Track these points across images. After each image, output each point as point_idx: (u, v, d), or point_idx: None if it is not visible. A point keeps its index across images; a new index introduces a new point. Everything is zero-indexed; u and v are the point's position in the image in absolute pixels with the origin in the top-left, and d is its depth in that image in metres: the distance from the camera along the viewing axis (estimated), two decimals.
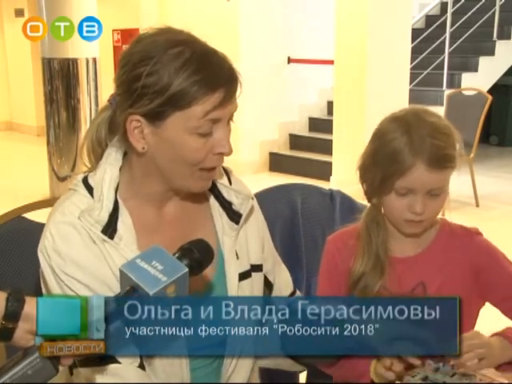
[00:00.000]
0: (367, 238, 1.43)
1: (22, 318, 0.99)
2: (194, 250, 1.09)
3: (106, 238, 1.17)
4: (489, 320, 1.47)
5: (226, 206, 1.31)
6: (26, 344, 1.00)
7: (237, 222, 1.30)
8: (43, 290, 1.21)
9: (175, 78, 1.12)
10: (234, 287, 1.27)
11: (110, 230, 1.18)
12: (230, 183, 1.34)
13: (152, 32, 1.18)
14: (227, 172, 1.36)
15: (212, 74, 1.13)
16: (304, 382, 1.69)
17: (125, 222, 1.20)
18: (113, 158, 1.24)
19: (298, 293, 1.47)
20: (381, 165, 1.37)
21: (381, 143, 1.38)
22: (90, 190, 1.22)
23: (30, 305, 1.00)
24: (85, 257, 1.16)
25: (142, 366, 1.18)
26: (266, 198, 1.48)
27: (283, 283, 1.43)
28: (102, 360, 1.14)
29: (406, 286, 1.42)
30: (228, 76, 1.16)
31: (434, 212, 1.38)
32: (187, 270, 1.05)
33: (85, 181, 1.23)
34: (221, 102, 1.14)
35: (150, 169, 1.21)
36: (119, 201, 1.22)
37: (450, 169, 1.36)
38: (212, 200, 1.31)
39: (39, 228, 1.24)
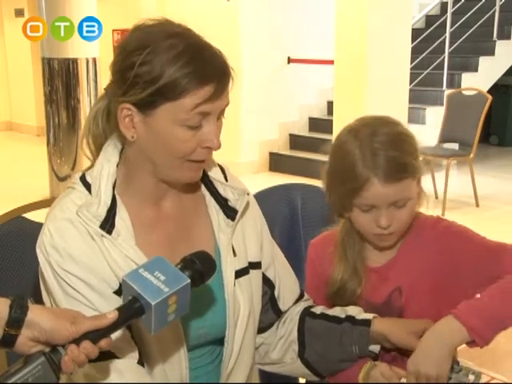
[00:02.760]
0: (343, 249, 1.42)
1: (24, 325, 0.99)
2: (196, 261, 1.09)
3: (104, 233, 1.17)
4: None
5: (222, 202, 1.31)
6: (28, 351, 1.00)
7: (233, 219, 1.30)
8: (42, 287, 1.21)
9: (167, 68, 1.12)
10: (230, 284, 1.27)
11: (107, 225, 1.18)
12: (226, 180, 1.34)
13: (149, 23, 1.19)
14: (223, 169, 1.36)
15: (203, 68, 1.13)
16: (304, 382, 1.69)
17: (123, 218, 1.20)
18: (110, 154, 1.24)
19: (306, 295, 1.46)
20: (339, 183, 1.34)
21: (337, 158, 1.36)
22: (87, 186, 1.22)
23: (33, 312, 1.00)
24: (83, 252, 1.16)
25: (140, 363, 1.18)
26: (266, 198, 1.48)
27: (288, 283, 1.42)
28: (102, 356, 1.13)
29: (383, 294, 1.41)
30: (219, 70, 1.15)
31: (402, 222, 1.34)
32: (189, 281, 1.05)
33: (82, 178, 1.24)
34: (211, 96, 1.13)
35: (141, 160, 1.21)
36: (117, 196, 1.22)
37: (409, 178, 1.30)
38: (208, 197, 1.32)
39: (39, 228, 1.24)
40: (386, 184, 1.28)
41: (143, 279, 1.03)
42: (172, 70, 1.12)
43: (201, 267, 1.09)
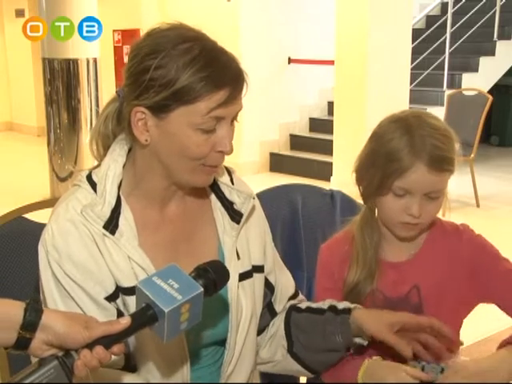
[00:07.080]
0: (362, 240, 1.42)
1: (39, 329, 1.00)
2: (209, 270, 1.09)
3: (107, 233, 1.18)
4: (489, 320, 1.47)
5: (228, 205, 1.31)
6: (41, 354, 1.00)
7: (238, 222, 1.30)
8: (40, 285, 1.22)
9: (182, 72, 1.13)
10: (234, 287, 1.27)
11: (111, 225, 1.19)
12: (233, 183, 1.34)
13: (163, 27, 1.19)
14: (230, 172, 1.36)
15: (219, 72, 1.14)
16: (304, 382, 1.69)
17: (126, 218, 1.21)
18: (117, 154, 1.25)
19: (300, 294, 1.46)
20: (379, 165, 1.35)
21: (379, 143, 1.37)
22: (93, 185, 1.23)
23: (48, 316, 1.01)
24: (82, 255, 1.17)
25: (128, 367, 1.18)
26: (266, 199, 1.48)
27: (284, 285, 1.42)
28: None
29: (401, 290, 1.41)
30: (235, 75, 1.17)
31: (430, 215, 1.37)
32: (202, 289, 1.05)
33: (89, 177, 1.24)
34: (225, 100, 1.14)
35: (152, 163, 1.22)
36: (122, 197, 1.22)
37: (448, 172, 1.34)
38: (214, 200, 1.32)
39: (40, 228, 1.24)
40: (431, 171, 1.31)
41: (157, 287, 1.03)
42: (188, 73, 1.12)
43: (214, 276, 1.09)
